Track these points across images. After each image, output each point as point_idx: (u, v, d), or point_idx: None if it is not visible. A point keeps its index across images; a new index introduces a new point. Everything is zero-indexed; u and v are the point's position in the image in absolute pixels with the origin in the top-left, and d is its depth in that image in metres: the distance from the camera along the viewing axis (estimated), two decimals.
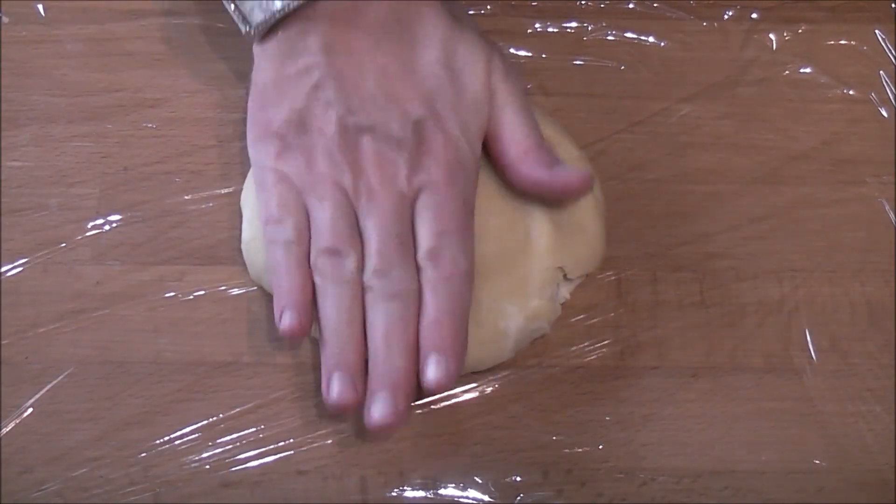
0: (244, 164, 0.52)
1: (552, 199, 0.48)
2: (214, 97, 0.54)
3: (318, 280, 0.45)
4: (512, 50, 0.56)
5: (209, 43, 0.56)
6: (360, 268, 0.44)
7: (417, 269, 0.44)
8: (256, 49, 0.48)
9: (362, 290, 0.44)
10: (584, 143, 0.53)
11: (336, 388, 0.43)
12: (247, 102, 0.49)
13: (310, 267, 0.45)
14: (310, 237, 0.45)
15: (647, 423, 0.47)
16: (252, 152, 0.48)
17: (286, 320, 0.44)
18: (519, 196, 0.49)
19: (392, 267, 0.44)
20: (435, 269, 0.44)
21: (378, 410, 0.43)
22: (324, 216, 0.45)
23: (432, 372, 0.43)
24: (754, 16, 0.58)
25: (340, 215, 0.44)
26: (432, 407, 0.47)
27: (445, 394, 0.47)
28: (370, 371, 0.44)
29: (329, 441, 0.46)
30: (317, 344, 0.47)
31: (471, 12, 0.57)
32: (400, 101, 0.45)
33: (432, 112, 0.46)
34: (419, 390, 0.44)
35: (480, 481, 0.45)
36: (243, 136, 0.53)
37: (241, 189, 0.51)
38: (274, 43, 0.47)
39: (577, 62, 0.56)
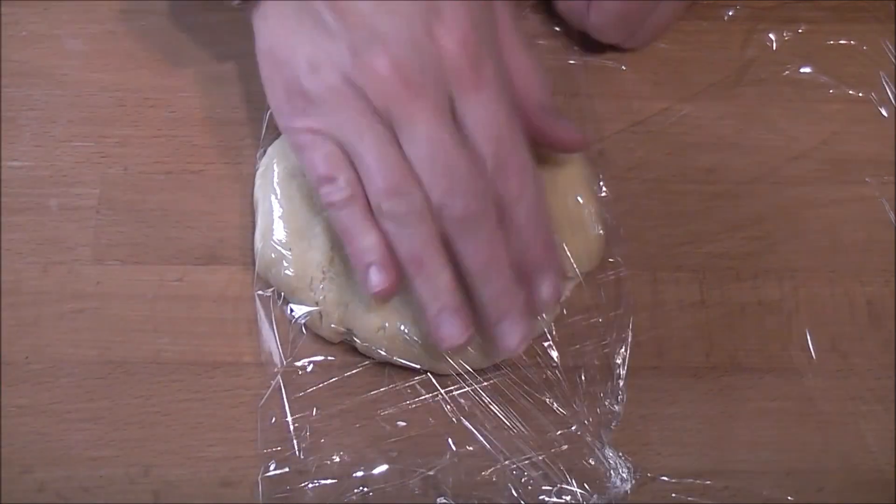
0: (245, 164, 0.52)
1: (548, 148, 0.47)
2: (214, 97, 0.54)
3: (389, 226, 0.42)
4: None
5: (209, 43, 0.56)
6: (427, 199, 0.41)
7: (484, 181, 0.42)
8: (255, 19, 0.46)
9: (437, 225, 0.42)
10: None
11: (448, 331, 0.43)
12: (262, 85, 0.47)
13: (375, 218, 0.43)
14: (363, 189, 0.43)
15: (647, 423, 0.47)
16: (279, 120, 0.46)
17: (376, 279, 0.43)
18: None
19: (459, 188, 0.41)
20: (504, 180, 0.42)
21: (512, 337, 0.43)
22: (370, 157, 0.41)
23: (545, 290, 0.43)
24: (754, 16, 0.58)
25: (387, 151, 0.41)
26: (431, 405, 0.47)
27: (445, 393, 0.47)
28: (478, 301, 0.43)
29: (328, 440, 0.46)
30: (318, 343, 0.48)
31: None
32: (402, 11, 0.42)
33: (438, 15, 0.42)
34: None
35: (480, 480, 0.45)
36: (244, 136, 0.53)
37: (241, 189, 0.51)
38: (270, 5, 0.45)
39: (577, 62, 0.56)
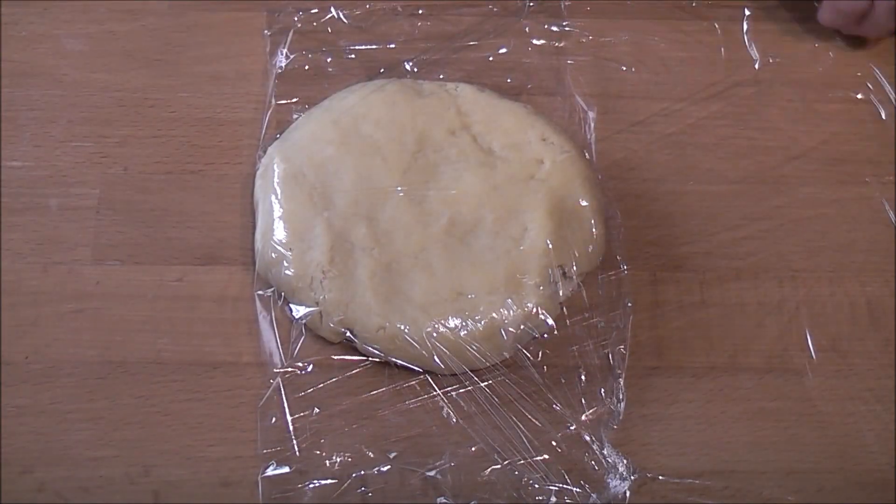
0: (245, 164, 0.52)
1: None
2: (214, 97, 0.54)
3: None
4: (512, 49, 0.56)
5: (209, 43, 0.56)
6: None
7: None
8: None
9: None
10: (584, 143, 0.53)
11: None
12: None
13: None
14: None
15: (647, 423, 0.47)
16: None
17: None
18: (518, 191, 0.49)
19: None
20: None
21: None
22: None
23: None
24: (755, 16, 0.58)
25: None
26: (431, 406, 0.47)
27: (444, 393, 0.47)
28: None
29: (328, 440, 0.46)
30: (318, 343, 0.48)
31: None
32: None
33: None
34: None
35: (480, 480, 0.45)
36: (243, 136, 0.53)
37: (241, 189, 0.51)
38: None
39: (577, 62, 0.56)
